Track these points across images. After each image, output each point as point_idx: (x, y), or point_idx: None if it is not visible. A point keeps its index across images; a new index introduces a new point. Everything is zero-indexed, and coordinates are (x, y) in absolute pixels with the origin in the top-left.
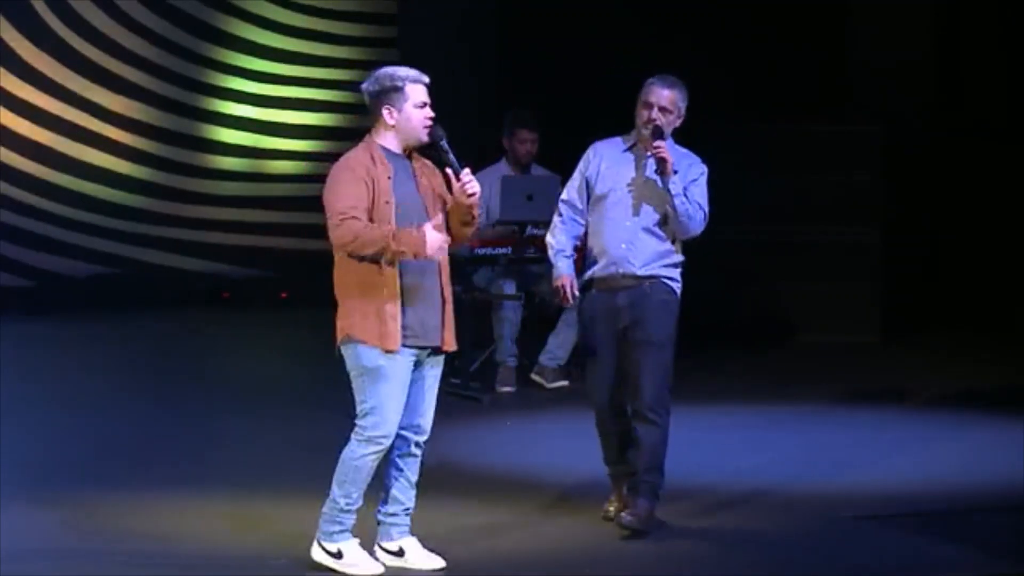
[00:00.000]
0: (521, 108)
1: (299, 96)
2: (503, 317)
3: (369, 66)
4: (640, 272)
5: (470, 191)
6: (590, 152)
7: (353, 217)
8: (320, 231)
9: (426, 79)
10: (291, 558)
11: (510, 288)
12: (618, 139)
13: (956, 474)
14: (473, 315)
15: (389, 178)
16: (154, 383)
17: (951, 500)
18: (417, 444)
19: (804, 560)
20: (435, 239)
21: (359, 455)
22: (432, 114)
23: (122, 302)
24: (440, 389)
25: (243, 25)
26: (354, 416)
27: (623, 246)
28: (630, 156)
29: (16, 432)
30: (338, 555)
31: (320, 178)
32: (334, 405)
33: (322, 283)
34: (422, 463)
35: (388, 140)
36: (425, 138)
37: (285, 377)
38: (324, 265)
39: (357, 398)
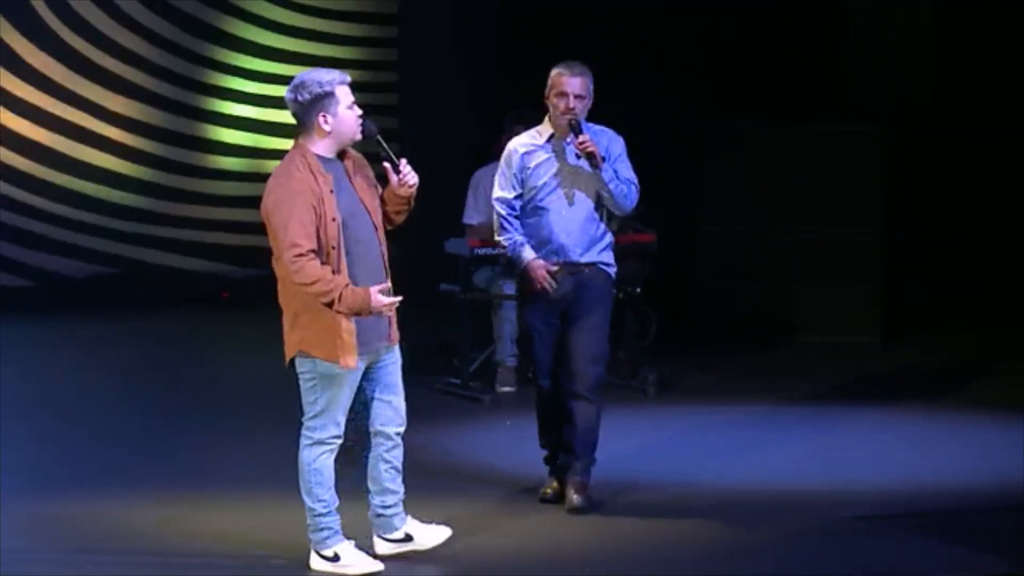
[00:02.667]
0: (520, 108)
1: None
2: (503, 317)
3: (369, 66)
4: (581, 260)
5: (410, 182)
6: (512, 151)
7: (309, 257)
8: None
9: (348, 78)
10: (291, 558)
11: (510, 288)
12: (533, 132)
13: (956, 474)
14: (473, 315)
15: (332, 191)
16: (154, 383)
17: (951, 500)
18: (398, 434)
19: (804, 560)
20: (378, 302)
21: (313, 458)
22: (360, 111)
23: (122, 302)
24: (440, 389)
25: (243, 25)
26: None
27: (563, 236)
28: (550, 147)
29: (16, 432)
30: (335, 558)
31: None
32: None
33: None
34: (406, 452)
35: (322, 147)
36: (359, 136)
37: (285, 377)
38: None
39: (305, 400)
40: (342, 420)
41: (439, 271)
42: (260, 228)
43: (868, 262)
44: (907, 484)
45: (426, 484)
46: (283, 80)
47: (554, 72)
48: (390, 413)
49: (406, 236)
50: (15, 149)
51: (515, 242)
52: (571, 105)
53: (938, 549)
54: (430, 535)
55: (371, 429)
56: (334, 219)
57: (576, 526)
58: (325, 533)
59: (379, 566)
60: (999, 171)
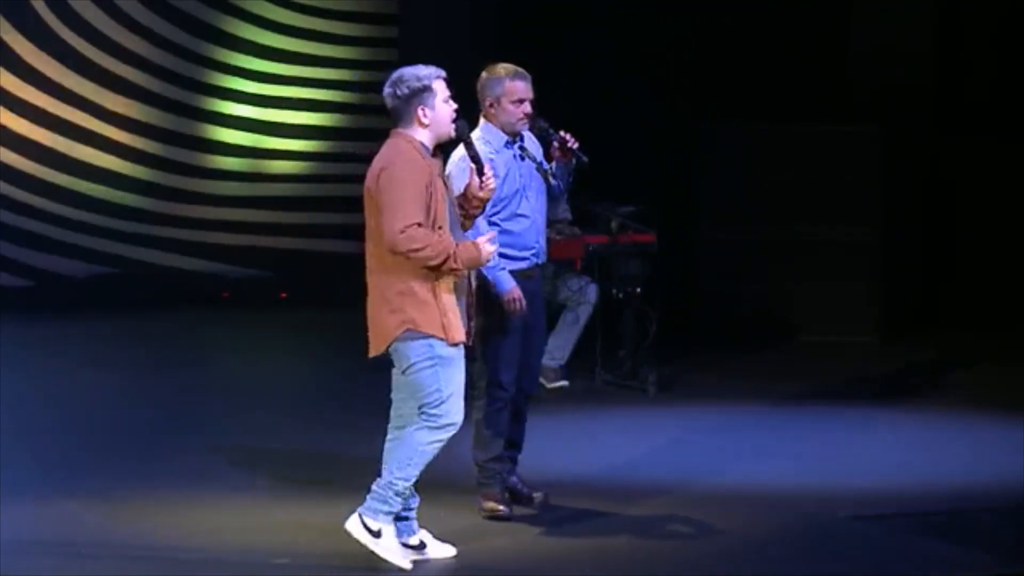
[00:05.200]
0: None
1: (299, 96)
2: None
3: (369, 66)
4: (544, 260)
5: (491, 187)
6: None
7: (418, 224)
8: (319, 231)
9: (444, 72)
10: (291, 557)
11: None
12: (489, 139)
13: (956, 474)
14: None
15: (439, 175)
16: (154, 383)
17: (951, 500)
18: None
19: (803, 560)
20: (488, 252)
21: (428, 441)
22: (456, 106)
23: (122, 302)
24: None
25: (243, 25)
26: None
27: (540, 239)
28: (510, 153)
29: (16, 432)
30: (377, 534)
31: (320, 178)
32: (333, 404)
33: (321, 283)
34: None
35: (421, 137)
36: (454, 132)
37: (284, 377)
38: (323, 265)
39: (426, 388)
40: (463, 408)
41: None
42: (260, 228)
43: (868, 262)
44: (907, 484)
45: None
46: (283, 80)
47: (506, 79)
48: (458, 406)
49: None
50: (15, 149)
51: (491, 266)
52: (528, 111)
53: (938, 549)
54: (440, 549)
55: None
56: (440, 203)
57: (576, 526)
58: (385, 508)
59: (408, 565)
60: (999, 171)
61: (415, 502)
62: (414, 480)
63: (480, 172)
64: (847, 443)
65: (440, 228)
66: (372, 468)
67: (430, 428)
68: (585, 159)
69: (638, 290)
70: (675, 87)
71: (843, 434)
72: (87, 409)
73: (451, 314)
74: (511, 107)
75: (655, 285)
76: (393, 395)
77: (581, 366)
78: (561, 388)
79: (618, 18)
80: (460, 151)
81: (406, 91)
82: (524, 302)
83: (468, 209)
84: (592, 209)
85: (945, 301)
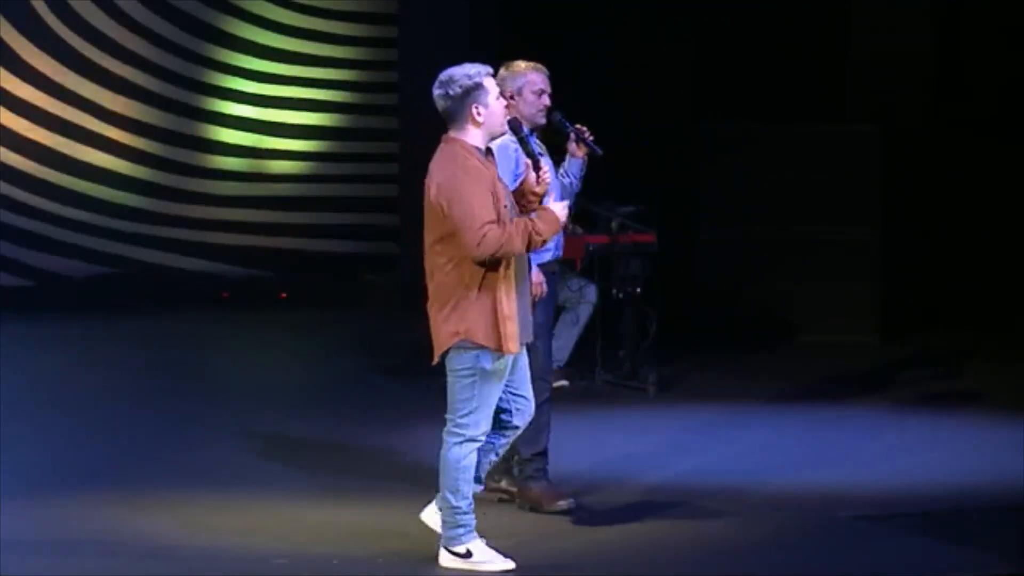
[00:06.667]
0: None
1: (299, 96)
2: None
3: (369, 66)
4: (561, 255)
5: (547, 180)
6: (511, 149)
7: (491, 222)
8: (319, 231)
9: (491, 69)
10: (291, 558)
11: None
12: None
13: (956, 474)
14: None
15: (499, 179)
16: (153, 383)
17: (951, 500)
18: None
19: (803, 560)
20: (561, 209)
21: (463, 456)
22: (505, 102)
23: (122, 302)
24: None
25: (243, 25)
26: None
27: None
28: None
29: (16, 431)
30: (467, 555)
31: (320, 178)
32: (333, 404)
33: (321, 284)
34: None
35: (476, 138)
36: (507, 127)
37: (284, 377)
38: (323, 265)
39: (458, 397)
40: (491, 417)
41: None
42: (260, 228)
43: (868, 262)
44: (907, 484)
45: (424, 483)
46: (283, 80)
47: (527, 71)
48: (524, 407)
49: (406, 236)
50: (15, 149)
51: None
52: (548, 103)
53: (938, 549)
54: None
55: (500, 423)
56: (505, 205)
57: (576, 526)
58: (462, 530)
59: (510, 564)
60: (999, 171)
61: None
62: (471, 498)
63: (536, 168)
64: (847, 443)
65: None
66: (373, 468)
67: (456, 443)
68: (600, 151)
69: (638, 290)
70: (675, 87)
71: (843, 434)
72: (86, 409)
73: (510, 323)
74: (532, 97)
75: (655, 285)
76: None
77: (581, 366)
78: (561, 388)
79: (618, 18)
80: (499, 142)
81: (459, 90)
82: (546, 287)
83: (524, 205)
84: (592, 209)
85: (945, 301)
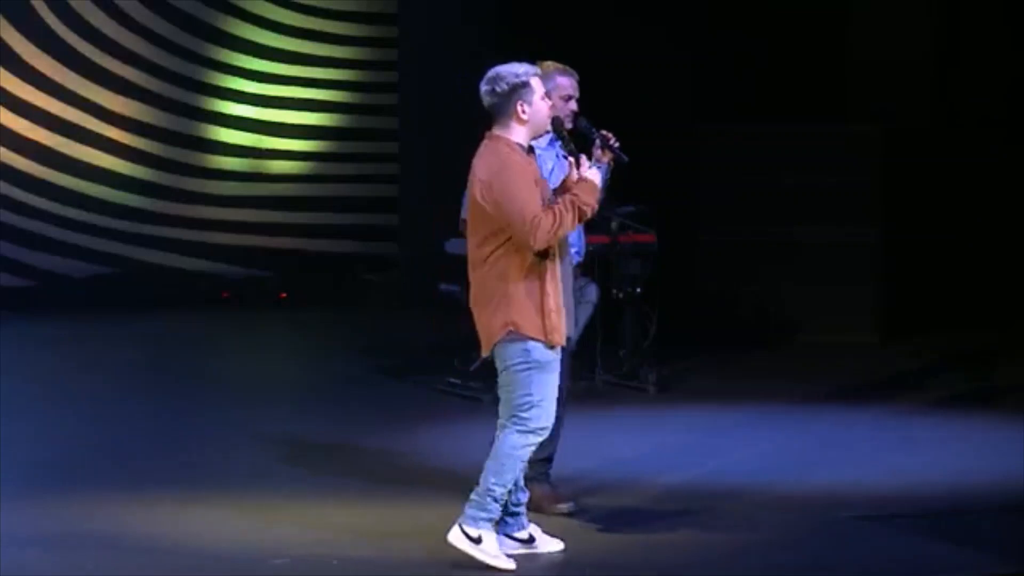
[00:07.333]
0: None
1: (299, 96)
2: None
3: (369, 66)
4: (583, 259)
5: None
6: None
7: (539, 214)
8: (319, 231)
9: (539, 69)
10: (291, 558)
11: None
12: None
13: (956, 474)
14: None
15: (540, 177)
16: (153, 383)
17: (951, 500)
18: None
19: (803, 560)
20: (596, 175)
21: (521, 445)
22: (551, 102)
23: (122, 302)
24: (440, 389)
25: (243, 25)
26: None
27: (580, 237)
28: (553, 151)
29: (16, 432)
30: (478, 540)
31: (320, 178)
32: (333, 404)
33: (321, 284)
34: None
35: (519, 135)
36: (550, 127)
37: (284, 377)
38: (323, 265)
39: (519, 391)
40: (554, 411)
41: (439, 271)
42: (260, 228)
43: (868, 262)
44: (907, 484)
45: (424, 483)
46: (283, 80)
47: (556, 75)
48: (549, 411)
49: (406, 236)
50: (15, 149)
51: None
52: (575, 108)
53: (938, 549)
54: (548, 543)
55: None
56: (545, 196)
57: (576, 526)
58: (484, 515)
59: (512, 565)
60: (999, 171)
61: (524, 496)
62: (511, 484)
63: (578, 166)
64: (848, 443)
65: None
66: (372, 467)
67: (520, 432)
68: (626, 158)
69: (638, 290)
70: (675, 88)
71: (843, 434)
72: (86, 409)
73: (555, 315)
74: (560, 103)
75: (655, 285)
76: (499, 392)
77: (581, 366)
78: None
79: (617, 19)
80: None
81: (506, 87)
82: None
83: None
84: None
85: (945, 301)
